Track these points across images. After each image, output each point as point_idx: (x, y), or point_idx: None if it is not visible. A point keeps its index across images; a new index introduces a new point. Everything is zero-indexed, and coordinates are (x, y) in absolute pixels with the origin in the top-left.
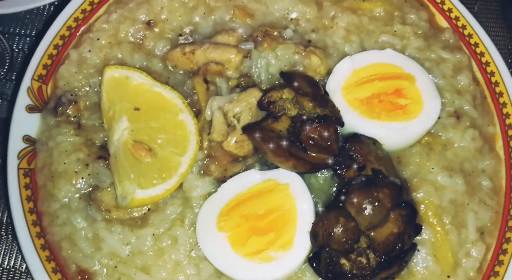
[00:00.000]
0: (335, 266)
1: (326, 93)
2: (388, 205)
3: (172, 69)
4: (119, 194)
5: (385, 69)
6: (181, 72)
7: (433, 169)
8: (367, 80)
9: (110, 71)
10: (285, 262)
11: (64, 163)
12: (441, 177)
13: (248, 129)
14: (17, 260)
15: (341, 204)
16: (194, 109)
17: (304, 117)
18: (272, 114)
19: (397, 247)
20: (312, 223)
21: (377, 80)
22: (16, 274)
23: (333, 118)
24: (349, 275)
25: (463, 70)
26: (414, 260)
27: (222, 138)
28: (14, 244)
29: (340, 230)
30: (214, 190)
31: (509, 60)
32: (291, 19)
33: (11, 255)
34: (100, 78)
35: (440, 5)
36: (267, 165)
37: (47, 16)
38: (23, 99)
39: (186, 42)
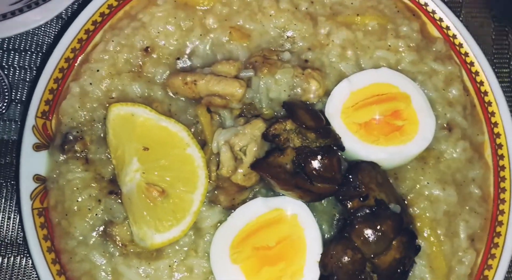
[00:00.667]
0: None
1: (326, 120)
2: (390, 235)
3: (174, 96)
4: (136, 235)
5: (381, 90)
6: (183, 99)
7: (427, 183)
8: (365, 104)
9: (115, 109)
10: None
11: (77, 201)
12: (435, 191)
13: (256, 167)
14: None
15: (346, 234)
16: (199, 138)
17: (308, 150)
18: (277, 147)
19: (399, 270)
20: (321, 254)
21: (375, 104)
22: None
23: (335, 148)
24: None
25: (454, 81)
26: (411, 274)
27: (230, 174)
28: None
29: (348, 262)
30: (223, 219)
31: (495, 69)
32: (287, 37)
33: None
34: (103, 111)
35: (432, 14)
36: (272, 191)
37: (47, 44)
38: (29, 138)
39: (185, 65)
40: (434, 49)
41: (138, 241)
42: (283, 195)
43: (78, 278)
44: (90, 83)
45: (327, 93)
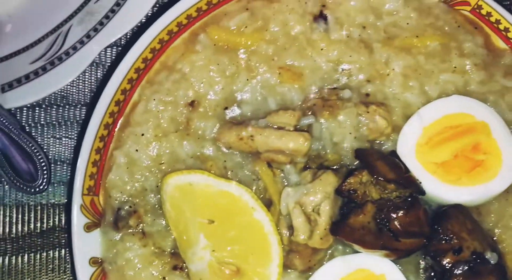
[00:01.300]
0: None
1: (403, 163)
2: None
3: (227, 151)
4: None
5: (456, 121)
6: (237, 153)
7: None
8: (440, 140)
9: (171, 180)
10: None
11: None
12: None
13: (338, 233)
14: None
15: None
16: (261, 196)
17: (391, 204)
18: (351, 201)
19: None
20: None
21: (452, 139)
22: None
23: (418, 196)
24: None
25: None
26: None
27: (307, 241)
28: None
29: None
30: None
31: None
32: (342, 70)
33: None
34: (155, 179)
35: (496, 25)
36: (350, 246)
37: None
38: (79, 219)
39: (234, 114)
40: (502, 63)
41: None
42: None
43: None
44: (136, 150)
45: (395, 130)
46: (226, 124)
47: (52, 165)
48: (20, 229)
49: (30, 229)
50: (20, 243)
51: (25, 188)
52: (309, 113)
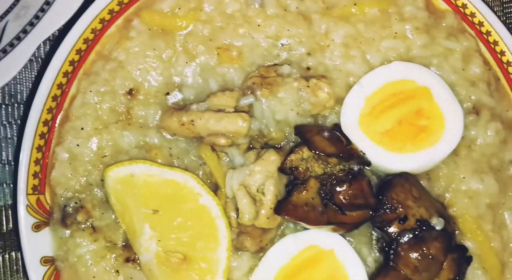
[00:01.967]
0: None
1: (344, 136)
2: (441, 258)
3: (172, 138)
4: None
5: (398, 88)
6: (182, 139)
7: (463, 177)
8: (383, 109)
9: (111, 173)
10: None
11: (94, 277)
12: (473, 184)
13: (281, 211)
14: None
15: (392, 264)
16: (208, 181)
17: (333, 177)
18: (298, 179)
19: None
20: None
21: (395, 106)
22: None
23: (361, 167)
24: None
25: (473, 57)
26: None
27: (252, 221)
28: None
29: None
30: (255, 263)
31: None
32: (282, 45)
33: None
34: (99, 172)
35: None
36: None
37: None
38: (26, 220)
39: (176, 99)
40: (444, 25)
41: None
42: None
43: None
44: (77, 145)
45: (339, 102)
46: (168, 111)
47: None
48: None
49: None
50: None
51: None
52: (249, 92)
